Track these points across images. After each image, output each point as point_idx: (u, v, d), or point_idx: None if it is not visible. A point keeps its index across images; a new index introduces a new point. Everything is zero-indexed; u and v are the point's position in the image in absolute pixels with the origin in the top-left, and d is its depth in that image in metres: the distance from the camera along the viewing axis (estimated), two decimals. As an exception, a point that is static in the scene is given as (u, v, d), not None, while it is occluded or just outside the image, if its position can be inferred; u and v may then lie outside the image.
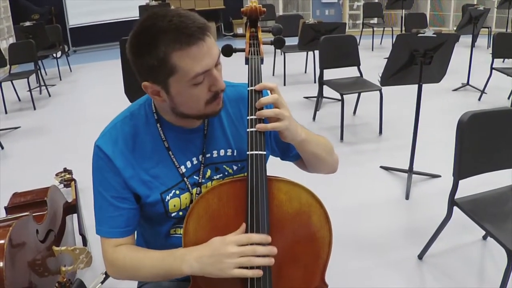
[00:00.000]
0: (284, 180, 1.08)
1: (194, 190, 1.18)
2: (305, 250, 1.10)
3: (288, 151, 1.29)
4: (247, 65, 1.15)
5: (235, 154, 1.21)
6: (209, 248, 1.00)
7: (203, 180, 1.19)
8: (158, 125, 1.15)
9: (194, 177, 1.18)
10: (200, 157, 1.18)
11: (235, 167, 1.22)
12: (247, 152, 1.03)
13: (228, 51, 1.19)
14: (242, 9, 1.19)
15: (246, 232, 1.01)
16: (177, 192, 1.16)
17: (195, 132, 1.18)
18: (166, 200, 1.15)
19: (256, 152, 1.03)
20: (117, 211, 1.12)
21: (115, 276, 1.15)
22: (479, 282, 2.22)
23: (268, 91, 1.09)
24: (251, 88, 1.08)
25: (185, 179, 1.16)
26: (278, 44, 1.18)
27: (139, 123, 1.14)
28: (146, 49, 0.98)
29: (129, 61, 1.04)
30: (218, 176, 1.20)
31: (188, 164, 1.17)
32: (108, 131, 1.13)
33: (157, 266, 1.07)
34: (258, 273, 0.98)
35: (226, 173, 1.21)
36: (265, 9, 1.20)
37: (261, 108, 1.04)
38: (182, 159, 1.17)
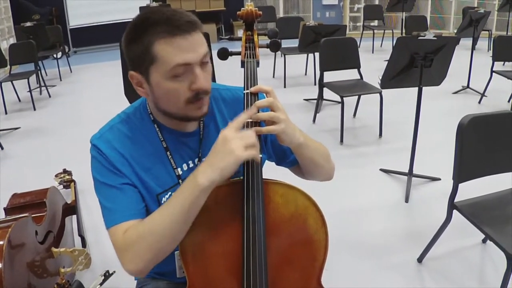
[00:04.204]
0: (280, 183, 1.08)
1: None
2: (301, 253, 1.10)
3: (284, 157, 1.28)
4: (242, 68, 1.15)
5: None
6: (212, 150, 0.98)
7: None
8: (155, 125, 1.15)
9: None
10: (196, 160, 1.19)
11: None
12: None
13: (224, 54, 1.19)
14: (238, 13, 1.20)
15: (242, 236, 1.01)
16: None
17: (191, 136, 1.18)
18: (162, 202, 1.15)
19: None
20: (126, 193, 1.09)
21: (134, 264, 1.01)
22: (479, 285, 2.21)
23: (264, 94, 1.09)
24: (247, 91, 1.08)
25: (180, 181, 1.16)
26: (274, 47, 1.19)
27: (136, 125, 1.15)
28: (134, 38, 1.01)
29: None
30: None
31: (185, 166, 1.18)
32: (105, 133, 1.13)
33: (176, 205, 0.98)
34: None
35: None
36: (261, 12, 1.20)
37: (257, 111, 1.04)
38: (179, 161, 1.17)
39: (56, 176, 3.13)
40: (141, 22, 1.01)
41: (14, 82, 5.70)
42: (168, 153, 1.16)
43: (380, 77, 3.03)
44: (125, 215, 1.07)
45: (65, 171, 3.17)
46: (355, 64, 4.35)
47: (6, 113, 5.42)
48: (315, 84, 5.86)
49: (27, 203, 2.17)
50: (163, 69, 1.00)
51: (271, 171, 1.24)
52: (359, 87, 4.25)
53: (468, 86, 5.50)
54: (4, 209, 2.16)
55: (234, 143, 0.95)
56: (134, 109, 1.18)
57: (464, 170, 2.01)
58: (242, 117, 1.01)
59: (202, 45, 1.02)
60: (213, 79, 2.74)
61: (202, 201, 0.98)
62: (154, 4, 8.27)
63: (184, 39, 0.99)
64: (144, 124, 1.15)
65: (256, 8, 1.19)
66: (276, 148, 1.26)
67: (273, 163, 1.33)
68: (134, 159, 1.11)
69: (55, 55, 7.56)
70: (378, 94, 3.98)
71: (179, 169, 1.17)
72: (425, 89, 3.02)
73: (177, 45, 0.98)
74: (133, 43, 1.01)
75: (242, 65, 1.15)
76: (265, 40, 1.22)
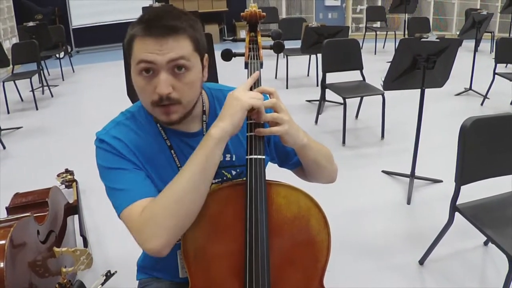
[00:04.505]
0: (283, 184, 1.08)
1: None
2: (303, 254, 1.10)
3: (287, 159, 1.28)
4: (246, 70, 1.15)
5: (233, 159, 1.21)
6: (222, 108, 1.03)
7: None
8: (158, 125, 1.16)
9: None
10: None
11: (233, 172, 1.22)
12: (246, 156, 1.04)
13: (227, 55, 1.19)
14: (241, 14, 1.20)
15: (245, 237, 1.01)
16: None
17: (194, 136, 1.18)
18: None
19: (255, 157, 1.03)
20: (139, 176, 1.08)
21: (155, 240, 0.97)
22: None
23: (267, 95, 1.09)
24: None
25: None
26: (277, 48, 1.19)
27: (141, 123, 1.16)
28: (127, 31, 1.07)
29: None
30: (216, 181, 1.20)
31: None
32: (111, 129, 1.14)
33: (192, 162, 1.00)
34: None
35: (224, 178, 1.21)
36: (264, 13, 1.20)
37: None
38: (183, 160, 1.17)
39: (58, 175, 3.13)
40: (137, 18, 1.06)
41: (16, 81, 5.71)
42: (172, 151, 1.16)
43: (383, 79, 3.03)
44: (141, 192, 1.04)
45: (67, 171, 3.18)
46: (357, 65, 4.35)
47: (8, 112, 5.43)
48: (317, 85, 5.85)
49: (29, 203, 2.18)
50: (133, 63, 1.05)
51: (274, 172, 1.24)
52: (361, 89, 4.25)
53: (470, 88, 5.49)
54: (6, 208, 2.16)
55: (240, 94, 1.02)
56: (138, 107, 1.18)
57: (466, 172, 2.01)
58: (249, 81, 1.06)
59: (173, 50, 1.01)
60: (216, 80, 2.75)
61: (217, 154, 1.01)
62: (157, 4, 8.27)
63: (154, 41, 1.01)
64: (148, 123, 1.16)
65: (260, 10, 1.19)
66: (279, 150, 1.26)
67: (276, 164, 1.33)
68: (141, 153, 1.12)
69: (57, 55, 7.57)
70: (380, 96, 3.98)
71: None
72: (427, 90, 3.02)
73: (147, 45, 1.01)
74: (127, 35, 1.07)
75: (246, 66, 1.15)
76: (268, 41, 1.22)
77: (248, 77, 1.12)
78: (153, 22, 1.01)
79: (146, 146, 1.13)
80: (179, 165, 1.16)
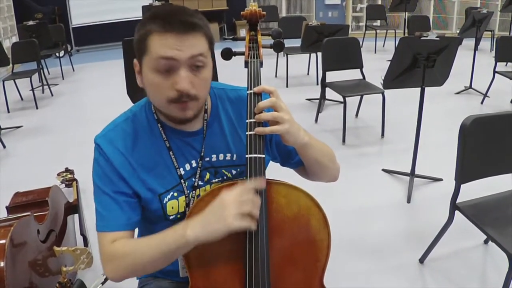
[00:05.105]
0: (283, 183, 1.08)
1: (192, 193, 1.18)
2: (304, 253, 1.10)
3: (289, 158, 1.28)
4: (246, 69, 1.15)
5: (234, 158, 1.21)
6: (209, 208, 0.99)
7: (200, 183, 1.19)
8: (159, 125, 1.15)
9: (192, 179, 1.19)
10: (198, 160, 1.19)
11: (234, 171, 1.22)
12: (246, 155, 1.03)
13: (227, 54, 1.19)
14: (242, 13, 1.20)
15: (245, 236, 1.01)
16: (175, 194, 1.17)
17: (195, 135, 1.18)
18: (164, 202, 1.15)
19: (255, 155, 1.03)
20: (118, 204, 1.10)
21: (114, 274, 1.06)
22: (481, 286, 2.21)
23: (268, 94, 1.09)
24: (250, 91, 1.08)
25: (181, 181, 1.17)
26: (278, 47, 1.19)
27: (141, 124, 1.15)
28: (138, 28, 1.05)
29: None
30: (216, 180, 1.21)
31: (187, 166, 1.18)
32: (109, 132, 1.14)
33: (160, 243, 1.02)
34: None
35: (225, 177, 1.21)
36: (265, 12, 1.20)
37: (261, 112, 1.04)
38: (182, 161, 1.17)
39: (58, 175, 3.13)
40: (148, 14, 1.05)
41: (16, 80, 5.71)
42: (170, 152, 1.15)
43: (383, 77, 3.02)
44: (115, 225, 1.10)
45: (67, 170, 3.17)
46: (357, 64, 4.35)
47: (8, 111, 5.42)
48: (317, 84, 5.86)
49: (29, 202, 2.18)
50: (150, 60, 1.02)
51: (275, 171, 1.24)
52: (361, 87, 4.25)
53: (470, 87, 5.49)
54: (7, 207, 2.16)
55: (229, 210, 0.95)
56: (140, 107, 1.18)
57: (467, 171, 2.01)
58: (247, 186, 0.99)
59: (193, 47, 1.01)
60: (216, 79, 2.75)
61: (183, 251, 1.01)
62: (157, 3, 8.27)
63: (174, 37, 0.99)
64: (148, 123, 1.16)
65: (260, 9, 1.19)
66: (281, 149, 1.26)
67: (278, 163, 1.33)
68: (135, 160, 1.12)
69: (57, 54, 7.56)
70: (380, 94, 3.98)
71: (181, 169, 1.16)
72: (427, 89, 3.02)
73: (166, 41, 1.00)
74: (137, 32, 1.05)
75: (246, 65, 1.15)
76: (268, 40, 1.22)
77: (248, 77, 1.11)
78: (171, 18, 1.00)
79: (143, 150, 1.13)
80: (177, 166, 1.16)
